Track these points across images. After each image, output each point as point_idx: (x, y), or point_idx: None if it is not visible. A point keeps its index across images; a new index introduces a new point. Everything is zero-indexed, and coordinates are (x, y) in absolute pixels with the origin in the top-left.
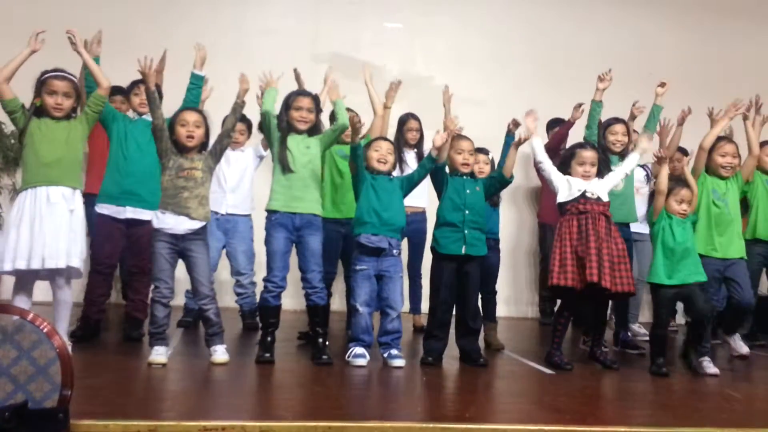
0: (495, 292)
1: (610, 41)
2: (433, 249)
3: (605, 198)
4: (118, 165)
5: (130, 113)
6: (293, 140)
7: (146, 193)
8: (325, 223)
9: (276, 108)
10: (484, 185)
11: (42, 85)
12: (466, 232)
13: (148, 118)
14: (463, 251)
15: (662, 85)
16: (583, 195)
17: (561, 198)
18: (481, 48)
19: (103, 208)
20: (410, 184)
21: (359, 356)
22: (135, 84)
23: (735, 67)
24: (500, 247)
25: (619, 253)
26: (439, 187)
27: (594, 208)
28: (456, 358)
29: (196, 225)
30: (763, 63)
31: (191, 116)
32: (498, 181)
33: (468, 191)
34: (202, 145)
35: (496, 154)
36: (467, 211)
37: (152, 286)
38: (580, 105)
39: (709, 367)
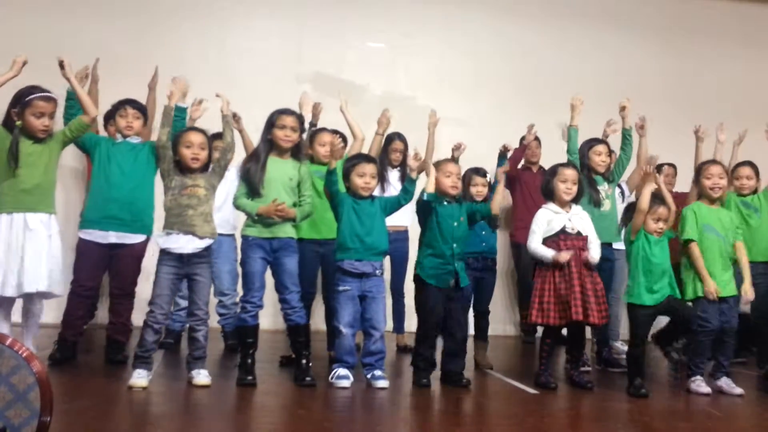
0: (488, 312)
1: (591, 62)
2: (418, 276)
3: (585, 232)
4: (101, 190)
5: (116, 136)
6: (274, 165)
7: (130, 218)
8: (303, 244)
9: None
10: (467, 213)
11: (26, 106)
12: (456, 265)
13: (132, 140)
14: (451, 284)
15: (623, 108)
16: (563, 230)
17: (533, 245)
18: (464, 68)
19: (86, 234)
20: (394, 207)
21: (343, 378)
22: (121, 105)
23: (714, 89)
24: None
25: (598, 286)
26: (424, 218)
27: (574, 244)
28: (436, 379)
29: (204, 243)
30: (739, 85)
31: (197, 138)
32: (482, 215)
33: (455, 224)
34: (205, 165)
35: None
36: (455, 244)
37: (148, 309)
38: (532, 126)
39: (702, 386)
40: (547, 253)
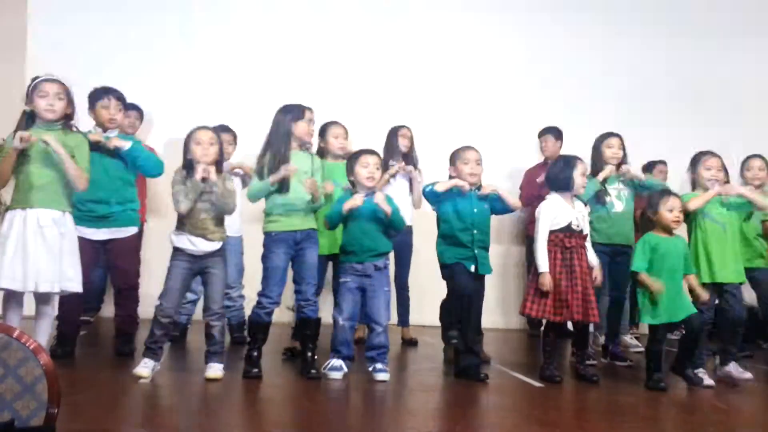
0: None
1: (594, 54)
2: (444, 265)
3: (586, 230)
4: (87, 192)
5: (94, 130)
6: (296, 157)
7: (118, 215)
8: None
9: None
10: (491, 204)
11: (33, 90)
12: (476, 251)
13: (111, 135)
14: (473, 269)
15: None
16: (569, 227)
17: (541, 232)
18: (469, 60)
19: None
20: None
21: (336, 369)
22: (104, 93)
23: (720, 82)
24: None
25: (592, 285)
26: (437, 208)
27: (578, 242)
28: (441, 372)
29: (215, 246)
30: (745, 80)
31: (205, 135)
32: (505, 210)
33: (475, 210)
34: (218, 164)
35: (491, 166)
36: (475, 231)
37: (157, 302)
38: None
39: (705, 378)
40: (543, 264)
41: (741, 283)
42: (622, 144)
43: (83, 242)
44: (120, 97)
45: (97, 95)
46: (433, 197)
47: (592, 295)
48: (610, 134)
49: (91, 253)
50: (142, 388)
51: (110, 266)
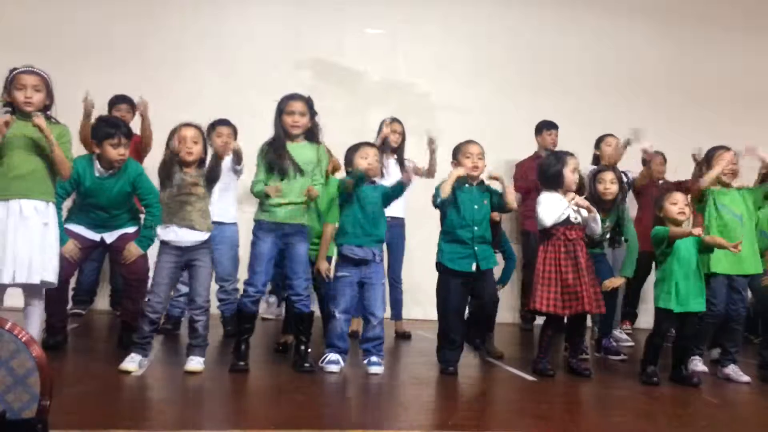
0: (497, 300)
1: (591, 48)
2: (439, 264)
3: (582, 222)
4: (89, 212)
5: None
6: (298, 148)
7: (119, 220)
8: None
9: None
10: (490, 200)
11: (11, 82)
12: (476, 248)
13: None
14: (473, 268)
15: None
16: (567, 220)
17: (548, 222)
18: (463, 54)
19: (73, 227)
20: (387, 199)
21: (333, 362)
22: (115, 129)
23: (714, 76)
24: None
25: (594, 276)
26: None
27: (578, 235)
28: (434, 365)
29: (202, 237)
30: (739, 72)
31: (188, 132)
32: (501, 208)
33: (476, 206)
34: (201, 160)
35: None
36: (476, 228)
37: (145, 298)
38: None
39: (698, 365)
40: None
41: (747, 277)
42: (614, 178)
43: (75, 235)
44: (127, 132)
45: (107, 131)
46: (446, 203)
47: (598, 286)
48: (604, 168)
49: (86, 246)
50: (135, 380)
51: (117, 263)
